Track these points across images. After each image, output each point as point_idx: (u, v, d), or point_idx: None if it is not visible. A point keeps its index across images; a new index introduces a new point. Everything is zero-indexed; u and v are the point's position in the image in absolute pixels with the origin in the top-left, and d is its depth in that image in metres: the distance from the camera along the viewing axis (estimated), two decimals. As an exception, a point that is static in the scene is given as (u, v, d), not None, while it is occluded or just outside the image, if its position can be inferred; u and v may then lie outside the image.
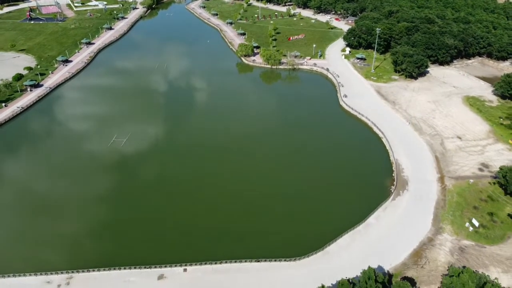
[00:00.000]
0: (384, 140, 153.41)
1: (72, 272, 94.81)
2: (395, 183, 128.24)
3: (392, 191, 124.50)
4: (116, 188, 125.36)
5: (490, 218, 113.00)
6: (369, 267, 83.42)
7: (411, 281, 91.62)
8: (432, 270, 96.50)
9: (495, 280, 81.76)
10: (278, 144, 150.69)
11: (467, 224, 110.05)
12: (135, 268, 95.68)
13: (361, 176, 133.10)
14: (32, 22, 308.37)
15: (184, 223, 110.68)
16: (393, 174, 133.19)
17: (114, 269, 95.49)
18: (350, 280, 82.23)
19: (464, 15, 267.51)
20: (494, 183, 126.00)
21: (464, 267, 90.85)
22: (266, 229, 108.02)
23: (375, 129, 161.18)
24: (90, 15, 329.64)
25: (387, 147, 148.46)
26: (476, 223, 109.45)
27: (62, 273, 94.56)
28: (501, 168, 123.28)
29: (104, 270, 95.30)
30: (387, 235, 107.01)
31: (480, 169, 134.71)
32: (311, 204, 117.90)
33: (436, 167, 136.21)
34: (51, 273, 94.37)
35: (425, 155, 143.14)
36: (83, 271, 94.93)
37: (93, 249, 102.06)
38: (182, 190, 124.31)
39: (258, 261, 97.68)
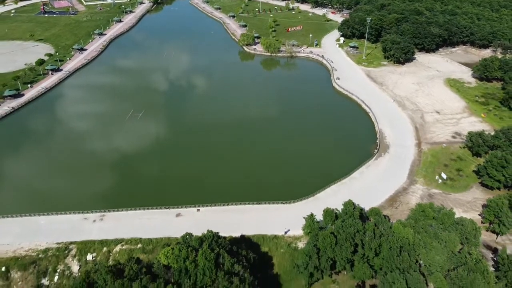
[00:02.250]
0: (370, 114, 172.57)
1: (105, 211, 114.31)
2: (378, 147, 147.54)
3: (375, 153, 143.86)
4: (139, 148, 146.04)
5: (457, 173, 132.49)
6: (349, 200, 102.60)
7: (386, 217, 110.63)
8: (404, 210, 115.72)
9: (450, 209, 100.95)
10: (278, 118, 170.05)
11: (437, 177, 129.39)
12: (157, 208, 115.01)
13: (349, 142, 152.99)
14: (46, 15, 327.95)
15: (197, 174, 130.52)
16: (377, 141, 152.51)
17: (140, 209, 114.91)
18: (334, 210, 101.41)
19: (452, 8, 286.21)
20: (464, 147, 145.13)
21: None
22: (266, 180, 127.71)
23: (363, 105, 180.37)
24: (100, 9, 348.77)
25: (373, 120, 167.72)
26: (445, 176, 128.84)
27: (96, 211, 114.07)
28: (469, 133, 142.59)
29: (131, 210, 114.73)
30: (368, 186, 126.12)
31: (453, 137, 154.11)
32: (305, 163, 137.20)
33: (415, 135, 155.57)
34: (88, 212, 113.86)
35: (406, 126, 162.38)
36: (113, 210, 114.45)
37: (122, 193, 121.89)
38: (196, 149, 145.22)
39: (259, 203, 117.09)
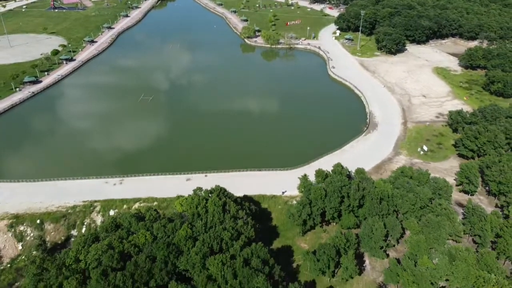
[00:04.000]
0: (362, 98, 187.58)
1: (123, 176, 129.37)
2: (367, 125, 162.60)
3: (365, 130, 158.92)
4: (151, 123, 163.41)
5: (437, 146, 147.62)
6: (338, 162, 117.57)
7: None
8: (388, 175, 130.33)
9: (426, 170, 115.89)
10: (277, 101, 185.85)
11: (419, 149, 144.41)
12: (170, 174, 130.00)
13: (342, 121, 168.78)
14: (56, 10, 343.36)
15: (205, 145, 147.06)
16: (367, 120, 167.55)
17: (154, 174, 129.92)
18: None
19: (443, 3, 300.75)
20: (445, 125, 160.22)
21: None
22: (267, 151, 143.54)
23: (356, 91, 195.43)
24: (108, 5, 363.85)
25: (364, 103, 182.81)
26: (426, 148, 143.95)
27: (116, 177, 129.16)
28: (449, 112, 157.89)
29: (147, 175, 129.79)
30: (357, 156, 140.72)
31: (437, 116, 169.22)
32: (301, 138, 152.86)
33: (402, 115, 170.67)
34: (108, 177, 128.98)
35: (394, 108, 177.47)
36: (131, 176, 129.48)
37: (139, 161, 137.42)
38: (203, 123, 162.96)
39: (260, 170, 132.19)
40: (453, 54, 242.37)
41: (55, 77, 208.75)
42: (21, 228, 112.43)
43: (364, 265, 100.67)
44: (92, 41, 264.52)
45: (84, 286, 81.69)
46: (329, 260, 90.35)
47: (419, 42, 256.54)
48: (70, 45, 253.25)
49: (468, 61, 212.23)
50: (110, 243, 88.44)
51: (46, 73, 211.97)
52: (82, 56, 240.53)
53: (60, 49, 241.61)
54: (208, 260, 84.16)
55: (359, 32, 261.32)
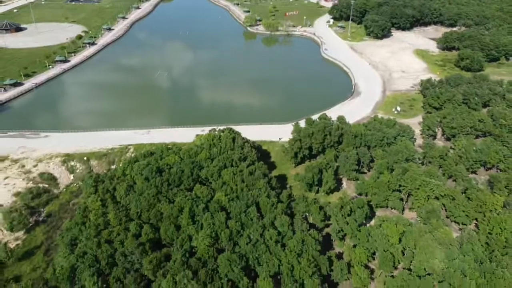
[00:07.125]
0: (350, 73, 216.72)
1: (150, 128, 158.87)
2: (352, 93, 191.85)
3: (349, 97, 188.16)
4: (170, 90, 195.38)
5: (409, 107, 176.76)
6: (323, 113, 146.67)
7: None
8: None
9: (394, 119, 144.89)
10: (276, 76, 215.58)
11: (393, 109, 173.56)
12: (186, 126, 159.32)
13: (331, 91, 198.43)
14: (73, 3, 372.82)
15: (215, 105, 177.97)
16: (352, 90, 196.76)
17: (174, 127, 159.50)
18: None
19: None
20: (418, 93, 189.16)
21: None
22: (268, 111, 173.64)
23: (344, 68, 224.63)
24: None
25: (351, 77, 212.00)
26: (399, 109, 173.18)
27: (143, 129, 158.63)
28: (421, 80, 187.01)
29: (168, 127, 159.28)
30: (341, 115, 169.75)
31: (412, 87, 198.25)
32: (296, 103, 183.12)
33: (382, 86, 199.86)
34: (137, 129, 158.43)
35: (376, 80, 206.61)
36: (156, 127, 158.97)
37: (161, 117, 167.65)
38: (214, 90, 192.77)
39: (261, 124, 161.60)
40: (434, 39, 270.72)
41: (81, 57, 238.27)
42: (72, 163, 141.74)
43: (341, 186, 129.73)
44: (110, 29, 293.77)
45: (132, 188, 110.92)
46: (313, 176, 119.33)
47: (404, 29, 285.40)
48: (90, 32, 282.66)
49: (444, 43, 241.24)
50: (149, 162, 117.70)
51: (73, 54, 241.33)
52: (102, 41, 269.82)
53: (83, 34, 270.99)
54: (223, 172, 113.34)
55: (350, 20, 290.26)
